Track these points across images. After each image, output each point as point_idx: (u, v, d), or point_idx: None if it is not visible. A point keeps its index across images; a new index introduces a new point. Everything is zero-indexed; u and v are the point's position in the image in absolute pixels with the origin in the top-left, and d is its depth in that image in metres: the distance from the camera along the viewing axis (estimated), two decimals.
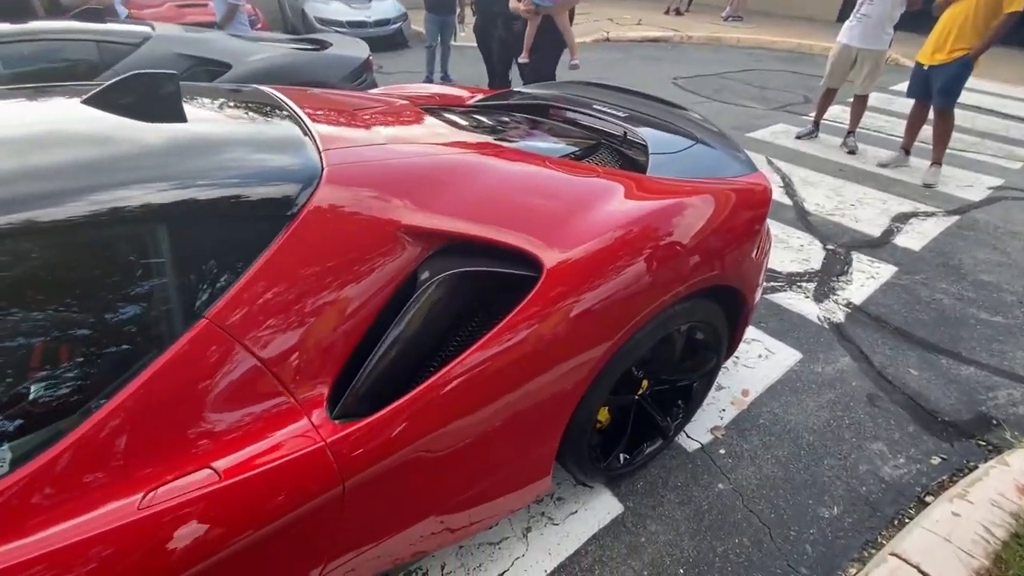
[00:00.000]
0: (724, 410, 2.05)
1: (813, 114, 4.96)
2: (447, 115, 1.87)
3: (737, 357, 2.30)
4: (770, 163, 4.35)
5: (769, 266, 2.88)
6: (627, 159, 1.85)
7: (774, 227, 3.37)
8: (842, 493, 1.74)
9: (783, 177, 4.10)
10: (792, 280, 2.85)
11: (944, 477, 1.79)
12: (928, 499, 1.71)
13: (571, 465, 1.56)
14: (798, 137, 4.90)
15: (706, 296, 1.54)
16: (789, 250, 3.13)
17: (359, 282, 1.12)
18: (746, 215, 1.58)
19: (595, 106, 2.18)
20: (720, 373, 2.19)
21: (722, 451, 1.88)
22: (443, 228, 1.19)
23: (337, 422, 1.02)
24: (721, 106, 5.89)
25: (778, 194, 3.82)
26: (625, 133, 1.95)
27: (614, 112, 2.08)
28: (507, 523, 1.63)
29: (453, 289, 1.16)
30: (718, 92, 6.40)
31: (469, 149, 1.46)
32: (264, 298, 1.02)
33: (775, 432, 1.95)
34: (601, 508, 1.68)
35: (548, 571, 1.52)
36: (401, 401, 1.05)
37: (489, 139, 1.65)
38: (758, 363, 2.27)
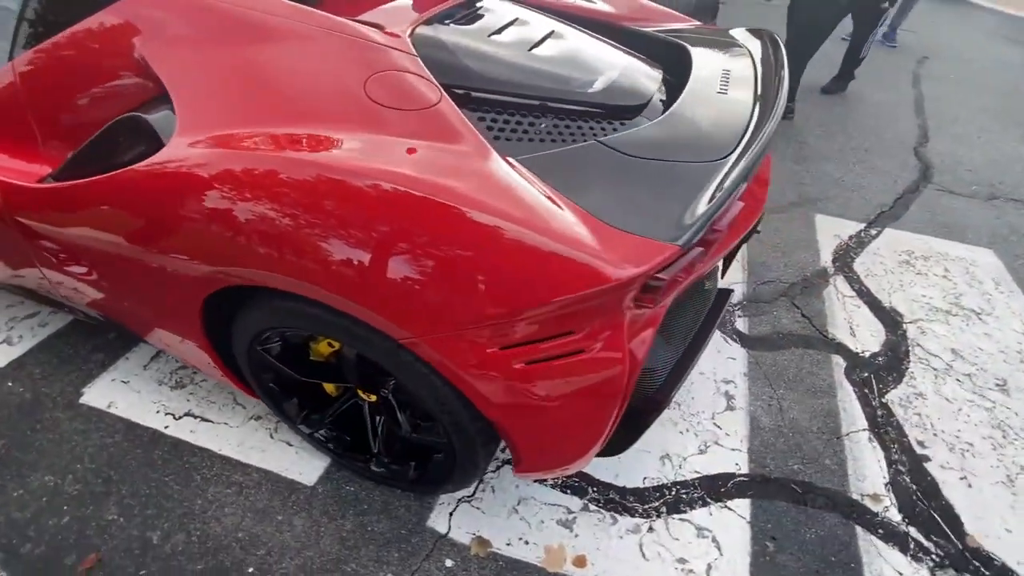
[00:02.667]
0: (530, 543, 1.33)
1: None
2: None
3: (652, 529, 1.36)
4: None
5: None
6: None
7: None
8: None
9: None
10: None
11: None
12: None
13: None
14: None
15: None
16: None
17: (107, 91, 1.20)
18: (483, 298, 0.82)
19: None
20: (594, 523, 1.39)
21: (449, 563, 1.29)
22: (160, 75, 1.10)
23: (48, 182, 1.22)
24: None
25: None
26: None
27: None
28: (237, 397, 1.63)
29: (129, 130, 1.11)
30: None
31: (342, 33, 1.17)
32: (49, 67, 1.23)
33: None
34: (303, 465, 1.46)
35: (217, 451, 1.48)
36: (53, 186, 1.16)
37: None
38: (673, 553, 1.30)
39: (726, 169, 0.97)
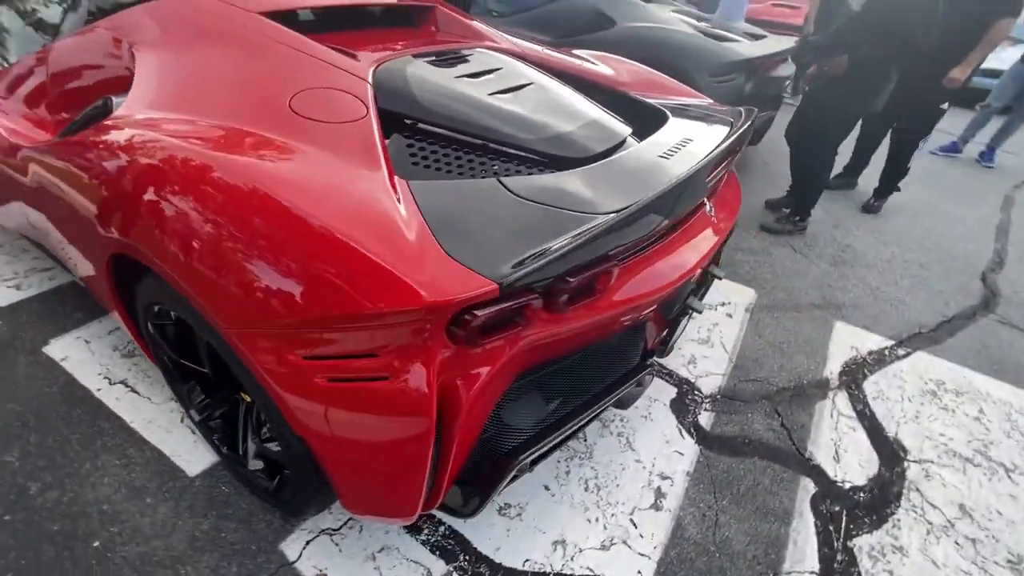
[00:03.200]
0: None
1: None
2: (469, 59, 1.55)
3: None
4: None
5: None
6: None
7: None
8: None
9: None
10: None
11: None
12: None
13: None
14: None
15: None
16: None
17: (107, 78, 1.38)
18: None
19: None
20: None
21: None
22: (136, 66, 1.23)
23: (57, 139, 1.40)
24: None
25: None
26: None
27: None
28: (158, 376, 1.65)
29: (102, 110, 1.25)
30: None
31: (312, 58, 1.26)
32: (70, 54, 1.44)
33: None
34: (195, 455, 1.45)
35: (128, 422, 1.52)
36: (38, 143, 1.33)
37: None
38: None
39: (595, 223, 0.89)
